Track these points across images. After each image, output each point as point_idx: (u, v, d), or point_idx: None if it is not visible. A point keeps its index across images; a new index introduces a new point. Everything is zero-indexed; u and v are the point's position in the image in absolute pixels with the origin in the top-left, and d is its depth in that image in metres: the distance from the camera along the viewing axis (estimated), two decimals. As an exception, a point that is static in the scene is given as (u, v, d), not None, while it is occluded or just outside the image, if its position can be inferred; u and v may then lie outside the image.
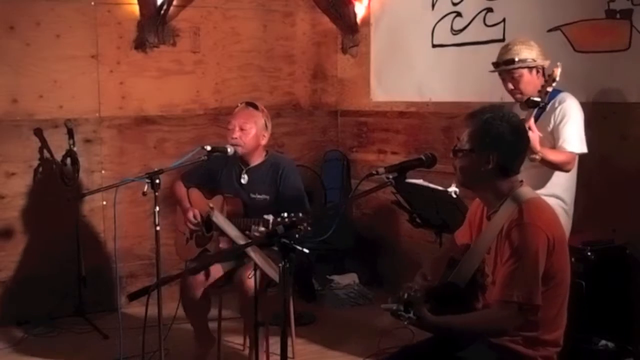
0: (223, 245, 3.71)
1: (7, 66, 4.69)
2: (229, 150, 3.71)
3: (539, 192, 3.01)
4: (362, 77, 5.67)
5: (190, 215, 3.82)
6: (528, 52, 3.47)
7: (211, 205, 3.69)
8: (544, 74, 3.49)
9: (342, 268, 5.47)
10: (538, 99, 3.27)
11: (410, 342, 2.85)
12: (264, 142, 3.88)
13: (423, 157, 2.52)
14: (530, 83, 3.47)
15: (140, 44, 5.06)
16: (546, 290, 2.37)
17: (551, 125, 3.43)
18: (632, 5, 3.69)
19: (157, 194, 3.28)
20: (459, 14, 4.78)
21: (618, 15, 3.76)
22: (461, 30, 4.77)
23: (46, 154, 4.81)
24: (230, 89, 5.44)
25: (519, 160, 2.51)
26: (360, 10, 5.62)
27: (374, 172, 2.48)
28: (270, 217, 3.15)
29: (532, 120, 3.28)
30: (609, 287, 3.49)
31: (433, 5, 4.96)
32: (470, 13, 4.68)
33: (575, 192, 3.56)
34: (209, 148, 3.56)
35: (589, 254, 3.46)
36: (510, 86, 3.52)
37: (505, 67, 3.49)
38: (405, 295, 2.28)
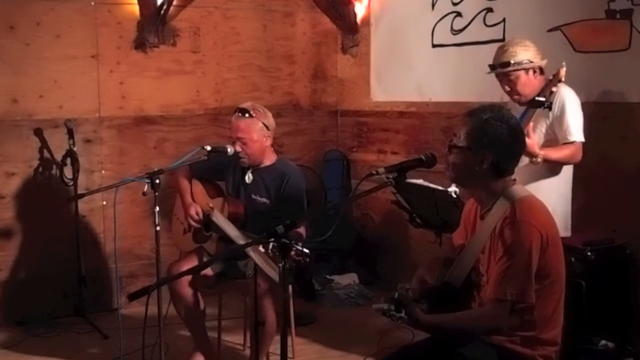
0: (222, 248, 3.70)
1: (7, 66, 4.69)
2: (229, 150, 3.69)
3: (533, 188, 3.02)
4: (362, 77, 5.67)
5: (193, 212, 3.77)
6: (524, 54, 3.45)
7: (211, 205, 3.68)
8: (541, 73, 3.49)
9: (342, 268, 5.48)
10: (543, 99, 3.25)
11: (410, 342, 2.84)
12: (268, 142, 3.81)
13: (423, 157, 2.52)
14: (528, 84, 3.46)
15: (140, 44, 5.06)
16: (541, 289, 2.37)
17: (550, 118, 3.43)
18: (632, 5, 3.70)
19: (157, 194, 3.28)
20: (459, 14, 4.78)
21: (618, 15, 3.77)
22: (461, 30, 4.77)
23: (46, 154, 4.81)
24: (230, 89, 5.44)
25: (514, 162, 2.51)
26: (360, 10, 5.62)
27: (374, 172, 2.48)
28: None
29: (531, 125, 3.27)
30: (609, 287, 3.49)
31: (433, 5, 4.97)
32: (470, 13, 4.68)
33: (575, 194, 3.56)
34: (209, 148, 3.55)
35: (589, 254, 3.46)
36: (507, 88, 3.51)
37: (501, 69, 3.48)
38: (396, 295, 2.29)
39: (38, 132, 4.77)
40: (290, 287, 3.44)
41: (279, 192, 3.76)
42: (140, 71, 5.11)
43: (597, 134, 3.66)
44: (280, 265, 2.33)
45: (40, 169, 4.83)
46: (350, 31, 5.67)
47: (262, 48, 5.56)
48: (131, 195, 4.89)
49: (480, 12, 4.60)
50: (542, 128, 3.46)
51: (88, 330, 4.60)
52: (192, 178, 3.95)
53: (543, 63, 3.49)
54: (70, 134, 4.72)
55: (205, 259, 3.79)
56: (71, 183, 4.74)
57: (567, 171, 3.54)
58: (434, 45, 5.00)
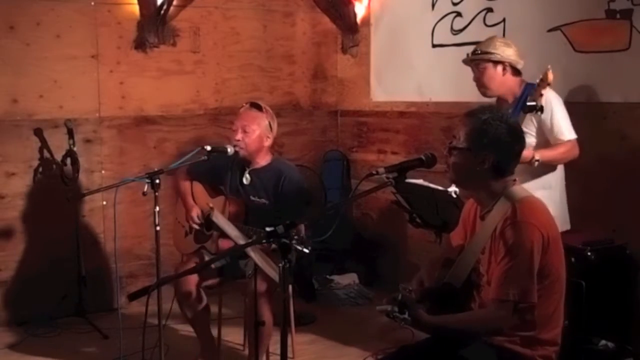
0: (223, 245, 3.70)
1: (7, 66, 4.69)
2: (229, 150, 3.70)
3: (529, 184, 3.03)
4: (362, 77, 5.67)
5: (194, 214, 3.81)
6: (499, 49, 3.49)
7: (211, 205, 3.68)
8: (515, 74, 3.51)
9: (342, 268, 5.47)
10: (533, 103, 3.24)
11: (410, 342, 2.84)
12: (267, 143, 3.84)
13: (423, 157, 2.52)
14: (494, 79, 3.50)
15: (140, 44, 5.06)
16: (541, 288, 2.37)
17: (536, 121, 3.45)
18: (632, 5, 3.70)
19: (157, 194, 3.28)
20: (459, 14, 4.78)
21: (618, 15, 3.77)
22: (461, 30, 4.77)
23: (46, 154, 4.81)
24: (230, 89, 5.44)
25: (515, 162, 2.51)
26: (360, 10, 5.62)
27: (374, 172, 2.48)
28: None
29: None
30: (609, 287, 3.49)
31: (433, 5, 4.97)
32: (470, 13, 4.68)
33: (575, 194, 3.57)
34: (209, 148, 3.56)
35: (589, 254, 3.46)
36: (474, 77, 3.58)
37: (472, 56, 3.55)
38: (400, 297, 2.29)
39: (38, 132, 4.76)
40: (290, 287, 3.44)
41: (277, 190, 3.76)
42: (140, 71, 5.11)
43: (597, 134, 3.66)
44: (280, 265, 2.33)
45: (40, 169, 4.83)
46: (350, 31, 5.67)
47: (262, 48, 5.56)
48: (131, 195, 4.89)
49: (480, 12, 4.60)
50: (532, 131, 3.46)
51: (88, 330, 4.60)
52: (191, 181, 3.97)
53: (516, 63, 3.51)
54: (70, 134, 4.72)
55: (207, 259, 3.79)
56: (71, 183, 4.74)
57: (559, 168, 3.56)
58: (434, 45, 5.00)
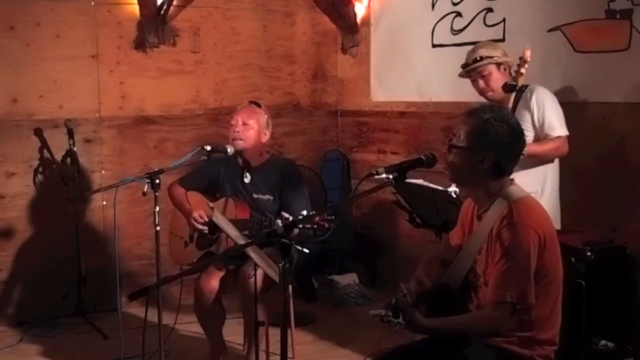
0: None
1: (7, 66, 4.69)
2: (229, 150, 3.70)
3: (519, 177, 3.05)
4: (362, 77, 5.67)
5: (197, 214, 3.74)
6: (493, 51, 3.59)
7: (211, 205, 3.68)
8: (510, 73, 3.58)
9: (342, 268, 5.47)
10: (513, 83, 3.37)
11: (408, 342, 2.84)
12: (264, 140, 3.87)
13: (423, 157, 2.52)
14: (499, 80, 3.56)
15: (140, 44, 5.06)
16: (539, 289, 2.36)
17: (529, 117, 3.49)
18: (632, 5, 3.70)
19: (157, 194, 3.28)
20: (459, 14, 4.78)
21: (618, 15, 3.77)
22: (461, 30, 4.77)
23: (46, 154, 4.81)
24: (230, 89, 5.44)
25: (514, 162, 2.51)
26: (360, 10, 5.62)
27: (374, 172, 2.48)
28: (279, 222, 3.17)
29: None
30: (609, 287, 3.49)
31: (433, 5, 4.97)
32: (470, 13, 4.68)
33: (575, 193, 3.57)
34: (209, 148, 3.56)
35: (589, 254, 3.46)
36: (482, 84, 3.62)
37: (473, 65, 3.59)
38: (393, 301, 2.29)
39: (38, 132, 4.77)
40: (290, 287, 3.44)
41: (280, 184, 3.79)
42: (140, 71, 5.11)
43: (597, 134, 3.66)
44: (280, 265, 2.33)
45: (40, 169, 4.83)
46: (350, 31, 5.67)
47: (262, 48, 5.56)
48: (131, 195, 4.89)
49: (480, 12, 4.60)
50: (528, 125, 3.49)
51: (88, 330, 4.61)
52: (185, 190, 3.91)
53: (510, 61, 3.59)
54: (70, 134, 4.72)
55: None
56: (71, 183, 4.74)
57: (554, 165, 3.58)
58: (434, 45, 5.00)
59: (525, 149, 3.25)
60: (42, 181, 4.84)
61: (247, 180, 3.85)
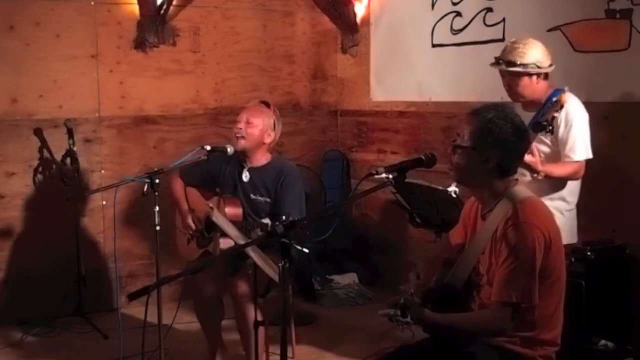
0: (224, 246, 3.70)
1: (7, 66, 4.69)
2: (229, 150, 3.69)
3: (545, 198, 3.01)
4: (362, 77, 5.67)
5: (189, 222, 3.79)
6: (533, 57, 3.35)
7: (211, 205, 3.68)
8: (546, 78, 3.41)
9: (342, 268, 5.47)
10: (545, 123, 3.14)
11: (409, 343, 2.84)
12: (268, 141, 3.82)
13: (423, 157, 2.52)
14: (528, 87, 3.39)
15: (140, 44, 5.06)
16: (542, 289, 2.36)
17: (555, 131, 3.37)
18: (632, 5, 3.70)
19: (157, 194, 3.28)
20: (459, 14, 4.78)
21: (618, 15, 3.77)
22: (461, 30, 4.77)
23: (46, 154, 4.81)
24: (230, 89, 5.44)
25: (519, 162, 2.51)
26: (360, 10, 5.62)
27: (374, 172, 2.47)
28: (268, 221, 3.19)
29: (534, 146, 3.17)
30: (609, 287, 3.49)
31: (433, 5, 4.97)
32: (470, 13, 4.68)
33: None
34: (209, 148, 3.55)
35: (589, 254, 3.46)
36: (507, 87, 3.46)
37: (506, 68, 3.40)
38: (402, 300, 2.29)
39: (38, 132, 4.76)
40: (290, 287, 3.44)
41: (277, 186, 3.76)
42: (140, 71, 5.11)
43: (597, 134, 3.65)
44: (280, 265, 2.33)
45: (40, 169, 4.83)
46: (350, 31, 5.67)
47: (262, 48, 5.56)
48: (131, 195, 4.89)
49: (480, 12, 4.60)
50: (547, 139, 3.36)
51: (88, 330, 4.60)
52: (185, 187, 3.93)
53: (550, 69, 3.40)
54: (70, 134, 4.72)
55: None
56: (71, 183, 4.74)
57: (575, 186, 3.47)
58: (434, 45, 5.00)
59: (546, 169, 3.21)
60: (42, 181, 4.84)
61: (246, 179, 3.83)
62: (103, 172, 5.03)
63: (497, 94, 3.87)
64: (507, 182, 2.48)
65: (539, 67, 3.36)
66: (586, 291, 3.39)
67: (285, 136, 5.60)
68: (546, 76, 3.43)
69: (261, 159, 3.84)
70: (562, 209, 3.40)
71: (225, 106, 5.32)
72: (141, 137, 5.15)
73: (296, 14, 5.70)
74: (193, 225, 3.78)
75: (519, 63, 3.36)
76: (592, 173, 3.72)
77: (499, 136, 2.41)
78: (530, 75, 3.37)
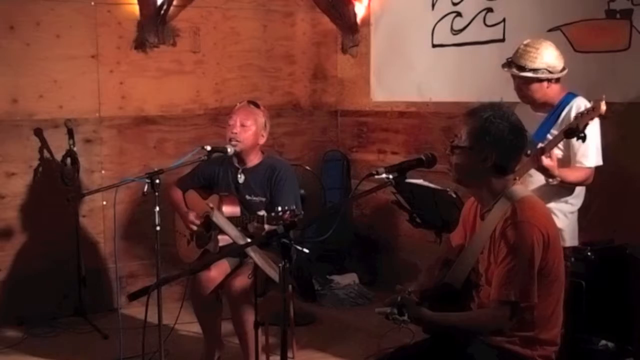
0: (223, 242, 3.70)
1: (7, 66, 4.69)
2: (229, 150, 3.70)
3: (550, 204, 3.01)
4: (362, 77, 5.67)
5: (191, 217, 3.82)
6: (545, 61, 3.30)
7: (211, 205, 3.68)
8: (557, 81, 3.36)
9: (342, 268, 5.47)
10: (577, 130, 3.04)
11: (409, 343, 2.84)
12: (262, 141, 3.86)
13: (423, 157, 2.52)
14: (539, 91, 3.35)
15: (140, 44, 5.06)
16: (541, 288, 2.37)
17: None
18: (632, 5, 3.70)
19: (157, 194, 3.28)
20: (459, 14, 4.78)
21: (618, 15, 3.77)
22: (461, 30, 4.77)
23: (46, 154, 4.81)
24: (230, 89, 5.44)
25: (516, 160, 2.51)
26: (360, 10, 5.62)
27: (374, 172, 2.48)
28: (264, 212, 3.19)
29: (554, 150, 3.17)
30: (609, 287, 3.49)
31: (433, 5, 4.97)
32: (470, 13, 4.68)
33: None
34: (209, 148, 3.56)
35: (589, 254, 3.46)
36: (517, 88, 3.42)
37: (517, 72, 3.34)
38: (399, 298, 2.29)
39: (38, 132, 4.77)
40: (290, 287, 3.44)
41: (271, 184, 3.78)
42: (140, 71, 5.11)
43: (597, 134, 3.65)
44: (280, 265, 2.33)
45: (40, 169, 4.83)
46: (350, 31, 5.67)
47: (262, 48, 5.56)
48: (131, 195, 4.89)
49: (480, 12, 4.60)
50: (560, 144, 3.30)
51: (88, 330, 4.60)
52: (183, 192, 3.96)
53: (562, 74, 3.36)
54: (70, 134, 4.72)
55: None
56: (71, 183, 4.74)
57: (580, 189, 3.46)
58: (434, 45, 4.99)
59: (560, 175, 3.18)
60: (42, 181, 4.84)
61: (241, 180, 3.85)
62: (103, 172, 5.03)
63: (497, 93, 3.85)
64: (505, 181, 2.48)
65: (550, 72, 3.31)
66: (586, 291, 3.39)
67: (285, 136, 5.62)
68: (558, 79, 3.38)
69: (254, 159, 3.87)
70: (566, 210, 3.40)
71: (225, 106, 5.31)
72: (141, 137, 5.15)
73: (296, 14, 5.70)
74: (196, 220, 3.78)
75: (529, 68, 3.31)
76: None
77: (496, 135, 2.41)
78: (540, 80, 3.33)
